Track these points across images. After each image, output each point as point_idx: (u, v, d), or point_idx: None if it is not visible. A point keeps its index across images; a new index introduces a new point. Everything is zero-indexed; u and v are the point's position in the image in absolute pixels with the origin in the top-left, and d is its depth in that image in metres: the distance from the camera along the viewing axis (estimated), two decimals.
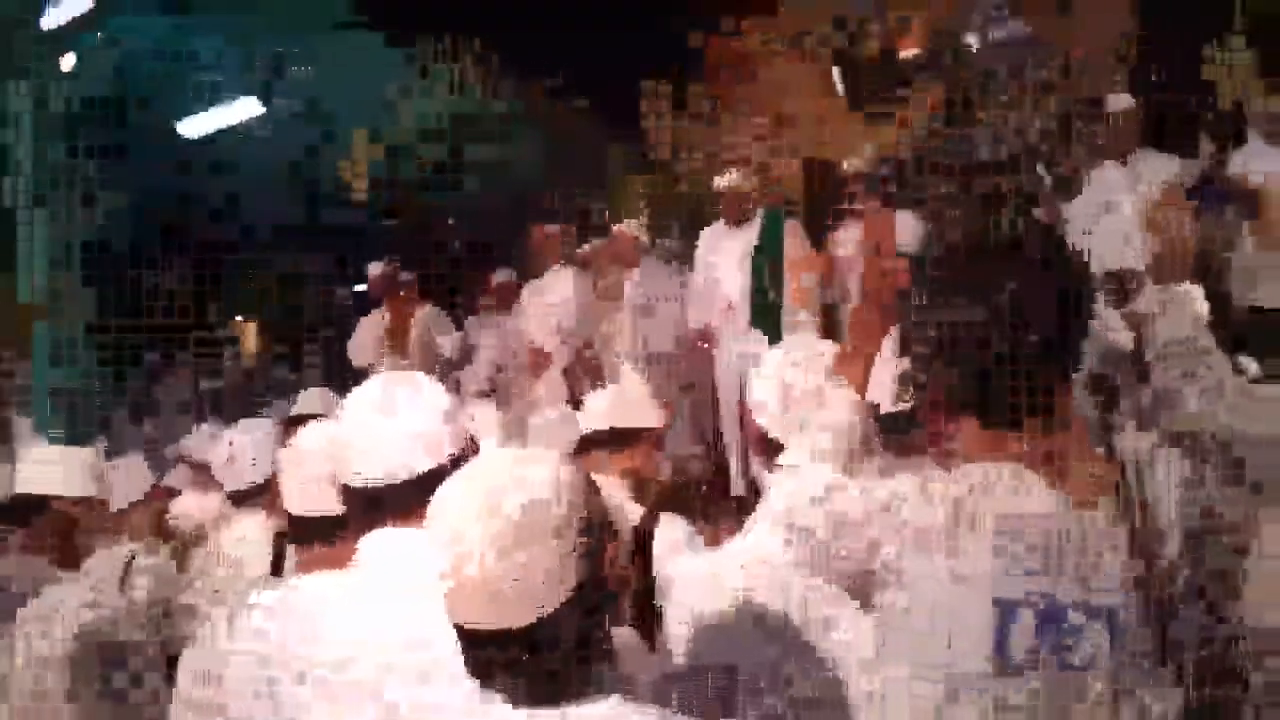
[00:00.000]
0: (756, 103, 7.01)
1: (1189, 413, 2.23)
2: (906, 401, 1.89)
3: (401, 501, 1.86)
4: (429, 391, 1.92)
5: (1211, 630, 1.71)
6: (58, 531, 2.81)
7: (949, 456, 1.77)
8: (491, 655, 1.36)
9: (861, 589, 1.80)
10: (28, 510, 2.80)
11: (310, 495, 2.14)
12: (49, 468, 2.89)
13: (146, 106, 8.69)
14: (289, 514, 2.18)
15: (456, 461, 1.85)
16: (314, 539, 2.14)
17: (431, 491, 1.78)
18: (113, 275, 8.76)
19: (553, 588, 1.35)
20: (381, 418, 1.88)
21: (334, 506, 2.06)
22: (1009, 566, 1.65)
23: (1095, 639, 1.64)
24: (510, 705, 1.36)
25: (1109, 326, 2.12)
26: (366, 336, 6.90)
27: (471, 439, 1.96)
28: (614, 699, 1.39)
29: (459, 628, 1.38)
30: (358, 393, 1.95)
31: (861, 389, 1.92)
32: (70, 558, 2.80)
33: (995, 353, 1.70)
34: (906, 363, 1.79)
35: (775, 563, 1.92)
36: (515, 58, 8.16)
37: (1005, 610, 1.64)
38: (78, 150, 7.81)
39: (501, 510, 1.37)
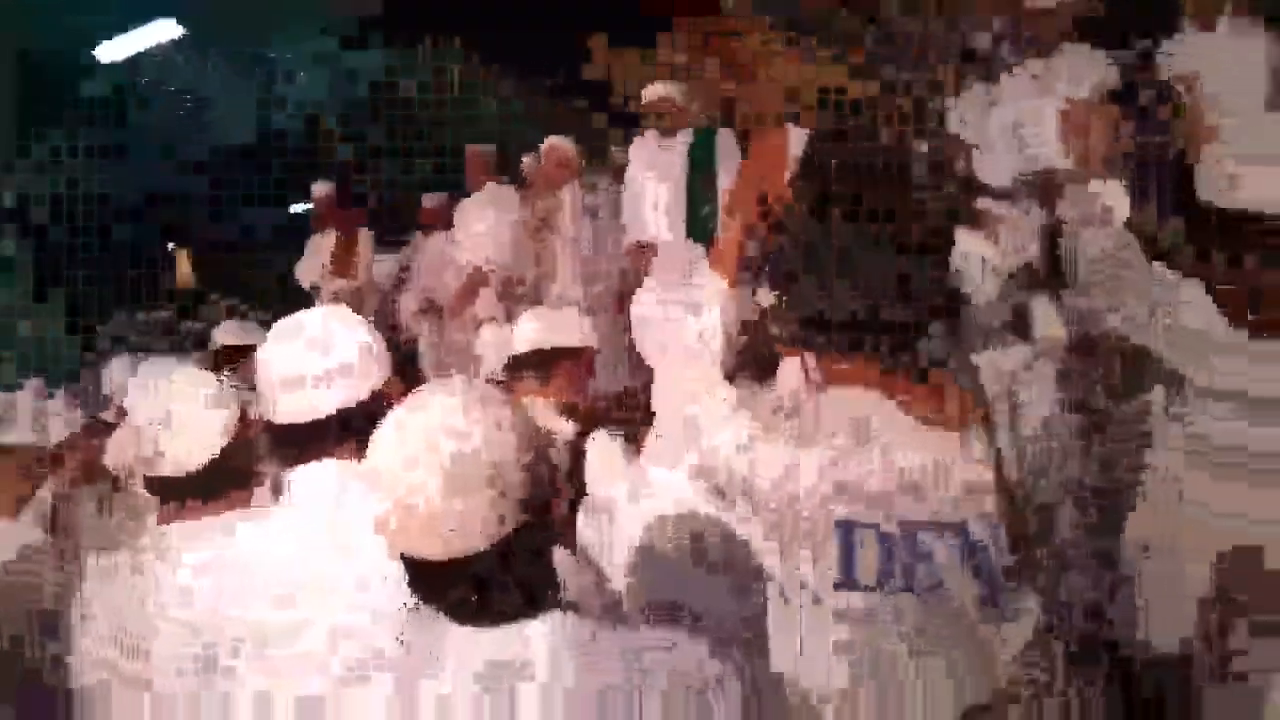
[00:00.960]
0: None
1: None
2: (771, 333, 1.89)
3: (322, 438, 1.86)
4: (350, 326, 1.90)
5: (1075, 553, 1.75)
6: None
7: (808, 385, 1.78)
8: (434, 584, 1.38)
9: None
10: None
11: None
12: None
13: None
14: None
15: (378, 397, 1.85)
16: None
17: (352, 428, 1.79)
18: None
19: (492, 528, 1.36)
20: (302, 353, 1.86)
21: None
22: (853, 488, 1.67)
23: (948, 559, 1.65)
24: (457, 625, 1.38)
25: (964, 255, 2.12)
26: (313, 257, 6.83)
27: (397, 375, 1.95)
28: (557, 615, 1.41)
29: (402, 557, 1.39)
30: (279, 328, 1.93)
31: (732, 280, 1.92)
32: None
33: (856, 283, 1.70)
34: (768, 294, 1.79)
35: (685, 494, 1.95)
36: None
37: (846, 532, 1.67)
38: None
39: (440, 456, 1.37)
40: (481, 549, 1.36)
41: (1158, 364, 2.10)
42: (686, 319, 2.08)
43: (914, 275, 1.70)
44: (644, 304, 2.24)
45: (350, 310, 1.97)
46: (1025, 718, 1.67)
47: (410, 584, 1.41)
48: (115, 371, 4.54)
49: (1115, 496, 1.86)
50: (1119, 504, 1.86)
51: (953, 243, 1.78)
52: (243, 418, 2.13)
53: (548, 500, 1.43)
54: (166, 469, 2.05)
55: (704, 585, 1.87)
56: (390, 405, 1.83)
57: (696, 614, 1.80)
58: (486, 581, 1.38)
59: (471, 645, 1.40)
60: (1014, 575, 1.67)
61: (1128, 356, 2.06)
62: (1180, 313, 2.06)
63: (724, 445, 1.90)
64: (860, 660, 1.66)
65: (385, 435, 1.43)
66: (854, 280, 1.68)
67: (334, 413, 1.83)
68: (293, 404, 1.84)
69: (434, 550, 1.37)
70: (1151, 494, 1.87)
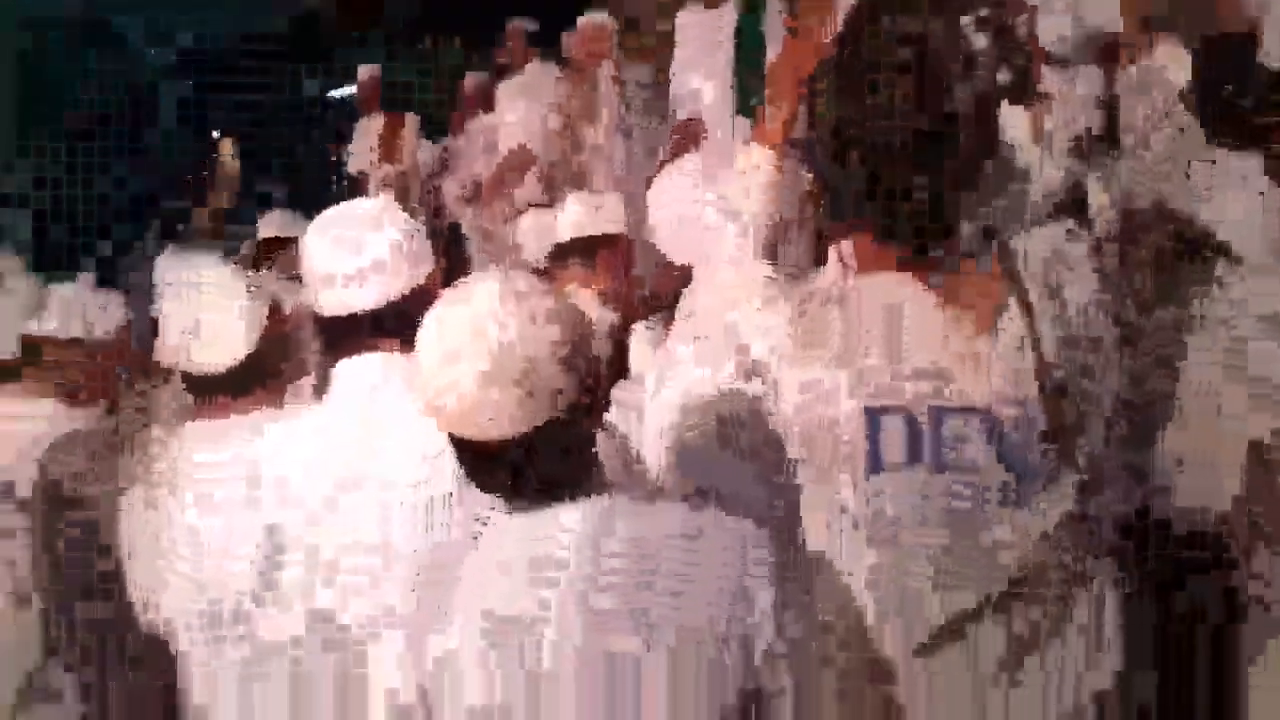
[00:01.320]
0: None
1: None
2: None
3: (362, 332, 1.86)
4: (388, 221, 1.89)
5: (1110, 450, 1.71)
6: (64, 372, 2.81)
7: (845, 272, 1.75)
8: (482, 463, 1.43)
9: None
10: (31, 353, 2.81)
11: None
12: (46, 309, 2.85)
13: None
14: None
15: (420, 292, 1.84)
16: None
17: (393, 324, 1.80)
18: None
19: (528, 419, 1.38)
20: (338, 249, 1.86)
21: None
22: (879, 372, 1.65)
23: (978, 444, 1.64)
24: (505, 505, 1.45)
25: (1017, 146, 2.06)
26: (361, 143, 6.80)
27: (443, 261, 1.95)
28: (604, 498, 1.45)
29: (450, 437, 1.43)
30: (318, 221, 1.92)
31: (779, 147, 1.87)
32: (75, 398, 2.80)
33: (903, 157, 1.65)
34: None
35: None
36: None
37: (873, 417, 1.65)
38: None
39: (477, 350, 1.39)
40: (517, 436, 1.39)
41: (1204, 250, 2.05)
42: (726, 225, 2.06)
43: (957, 152, 1.65)
44: (674, 194, 2.19)
45: (394, 200, 1.96)
46: (1055, 609, 1.67)
47: (458, 459, 1.45)
48: (164, 266, 4.57)
49: (1148, 410, 1.84)
50: (1151, 417, 1.84)
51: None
52: (275, 314, 2.13)
53: (589, 391, 1.44)
54: (195, 367, 2.07)
55: (733, 469, 1.89)
56: (434, 299, 1.85)
57: (725, 499, 1.82)
58: (522, 468, 1.41)
59: (503, 535, 1.45)
60: (1044, 464, 1.65)
61: (1166, 257, 2.01)
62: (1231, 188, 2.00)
63: (762, 352, 1.89)
64: (885, 596, 1.67)
65: (427, 331, 1.46)
66: (892, 158, 1.64)
67: (372, 308, 1.83)
68: (331, 299, 1.85)
69: (473, 434, 1.40)
70: (1187, 407, 1.84)
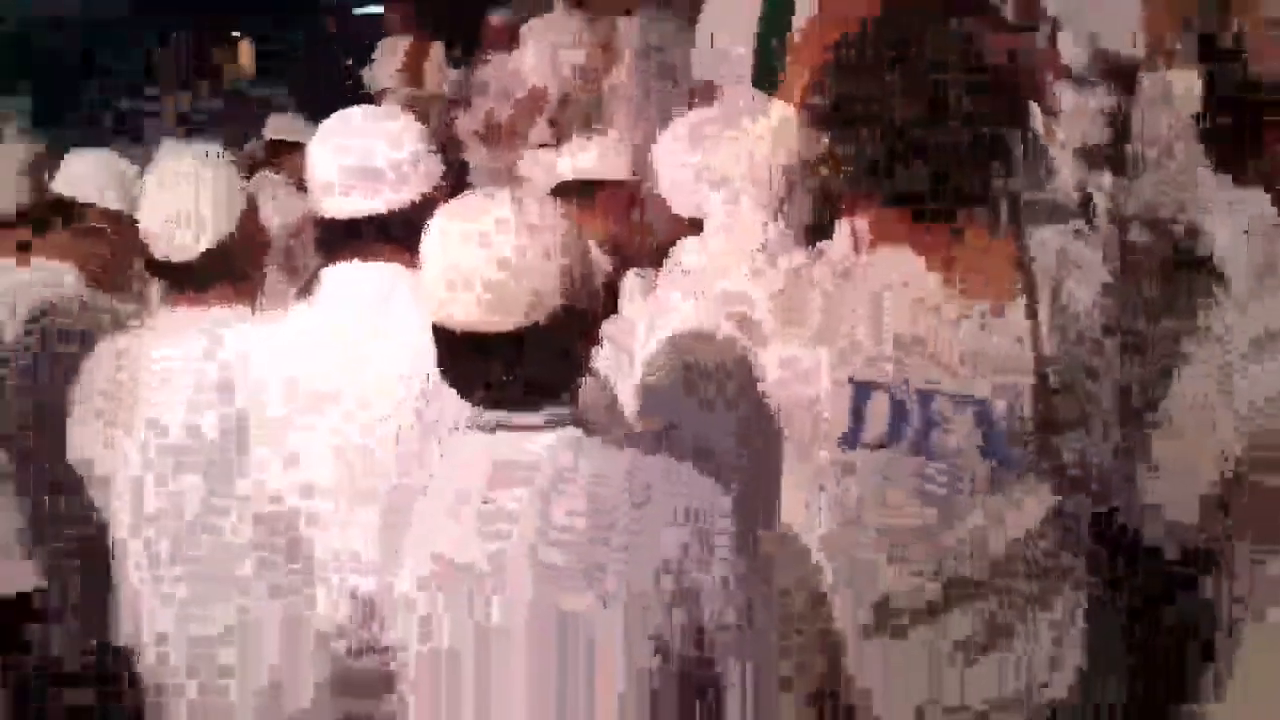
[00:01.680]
0: None
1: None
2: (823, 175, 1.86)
3: (363, 236, 1.86)
4: (396, 129, 1.88)
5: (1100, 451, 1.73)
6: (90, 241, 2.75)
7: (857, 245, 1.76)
8: (469, 357, 1.43)
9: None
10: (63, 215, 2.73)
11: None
12: (86, 174, 2.79)
13: None
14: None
15: (425, 203, 1.84)
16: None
17: (396, 232, 1.80)
18: None
19: (541, 300, 1.41)
20: (345, 152, 1.85)
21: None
22: (876, 351, 1.65)
23: (962, 431, 1.65)
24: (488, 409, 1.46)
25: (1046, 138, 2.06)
26: (386, 61, 6.76)
27: (444, 180, 1.95)
28: (568, 431, 1.47)
29: (446, 336, 1.44)
30: (325, 125, 1.91)
31: (799, 105, 1.88)
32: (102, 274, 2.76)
33: (923, 131, 1.66)
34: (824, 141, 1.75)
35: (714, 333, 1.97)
36: None
37: (860, 391, 1.65)
38: None
39: (497, 226, 1.42)
40: (524, 321, 1.40)
41: (1205, 270, 2.06)
42: (710, 193, 2.06)
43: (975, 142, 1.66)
44: (667, 156, 2.19)
45: (406, 114, 1.95)
46: (1024, 604, 1.69)
47: (446, 366, 1.46)
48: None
49: (1141, 417, 1.85)
50: (1143, 424, 1.85)
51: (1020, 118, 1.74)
52: (252, 212, 2.11)
53: (589, 304, 1.48)
54: (167, 254, 2.04)
55: (704, 414, 1.92)
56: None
57: (697, 441, 1.85)
58: (511, 364, 1.42)
59: (480, 449, 1.45)
60: (1026, 458, 1.66)
61: (1168, 268, 2.02)
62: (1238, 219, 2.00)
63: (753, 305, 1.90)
64: (848, 575, 1.68)
65: (433, 242, 1.46)
66: (912, 136, 1.65)
67: (376, 214, 1.81)
68: (334, 202, 1.84)
69: (477, 317, 1.41)
70: (1179, 419, 1.86)
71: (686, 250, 2.15)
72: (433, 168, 1.90)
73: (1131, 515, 1.90)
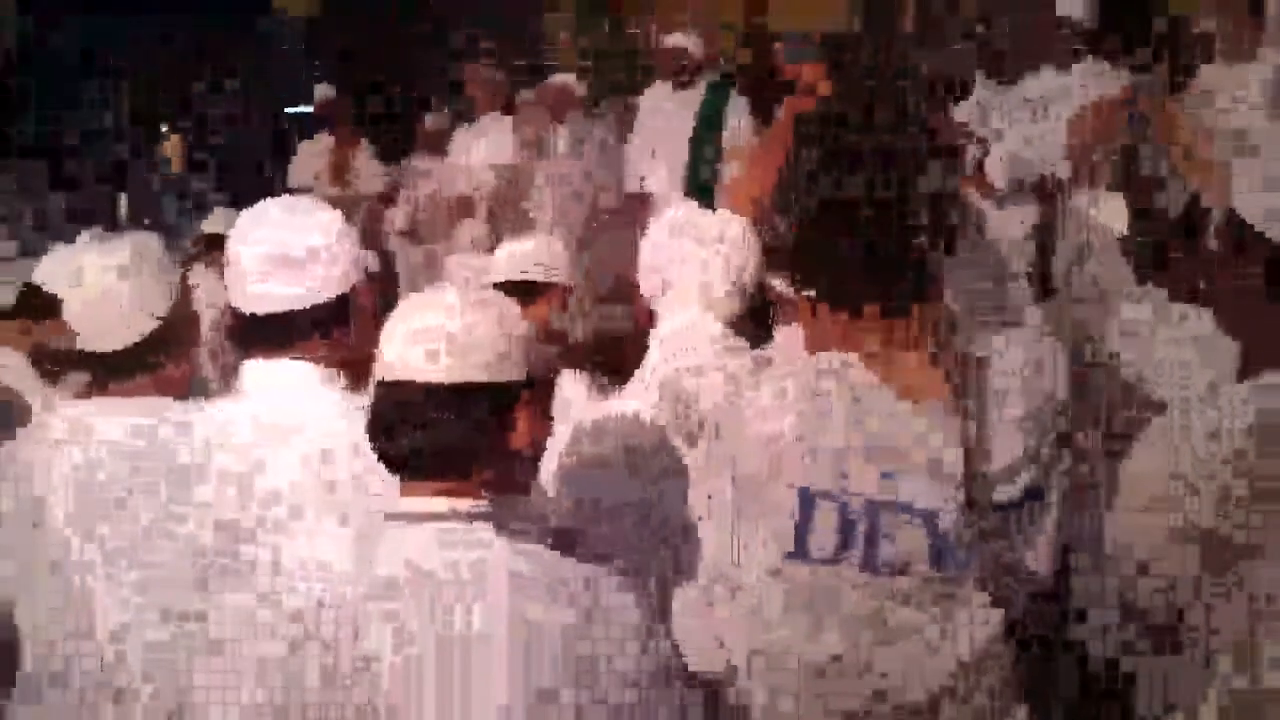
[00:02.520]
0: None
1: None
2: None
3: (285, 332, 1.80)
4: (315, 219, 1.83)
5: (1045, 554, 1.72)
6: None
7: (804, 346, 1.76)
8: (399, 419, 1.45)
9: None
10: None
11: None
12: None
13: None
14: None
15: (345, 300, 1.80)
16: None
17: (318, 326, 1.75)
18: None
19: (485, 362, 1.45)
20: (267, 243, 1.79)
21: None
22: (821, 459, 1.64)
23: (910, 543, 1.63)
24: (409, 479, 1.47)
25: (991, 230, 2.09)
26: (307, 160, 6.75)
27: (368, 273, 1.90)
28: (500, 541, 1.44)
29: (384, 387, 1.47)
30: (244, 216, 1.84)
31: (753, 215, 1.89)
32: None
33: (873, 230, 1.68)
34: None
35: (645, 421, 1.96)
36: None
37: (806, 500, 1.64)
38: None
39: (458, 303, 1.46)
40: (448, 384, 1.43)
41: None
42: (699, 253, 2.06)
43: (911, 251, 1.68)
44: (656, 240, 2.20)
45: (326, 206, 1.90)
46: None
47: (376, 426, 1.47)
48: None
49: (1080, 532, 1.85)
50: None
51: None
52: (185, 294, 2.04)
53: (526, 382, 1.49)
54: (97, 343, 1.94)
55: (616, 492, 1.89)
56: (360, 307, 1.80)
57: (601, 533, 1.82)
58: (449, 416, 1.44)
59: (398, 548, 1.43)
60: (972, 568, 1.65)
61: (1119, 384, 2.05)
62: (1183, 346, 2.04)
63: (699, 389, 1.89)
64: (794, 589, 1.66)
65: (394, 316, 1.49)
66: (854, 240, 1.67)
67: (296, 309, 1.78)
68: (252, 294, 1.79)
69: (410, 373, 1.44)
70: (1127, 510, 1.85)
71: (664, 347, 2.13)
72: (353, 260, 1.84)
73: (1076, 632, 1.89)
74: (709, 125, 5.52)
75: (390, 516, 1.46)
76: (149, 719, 1.76)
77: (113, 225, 7.71)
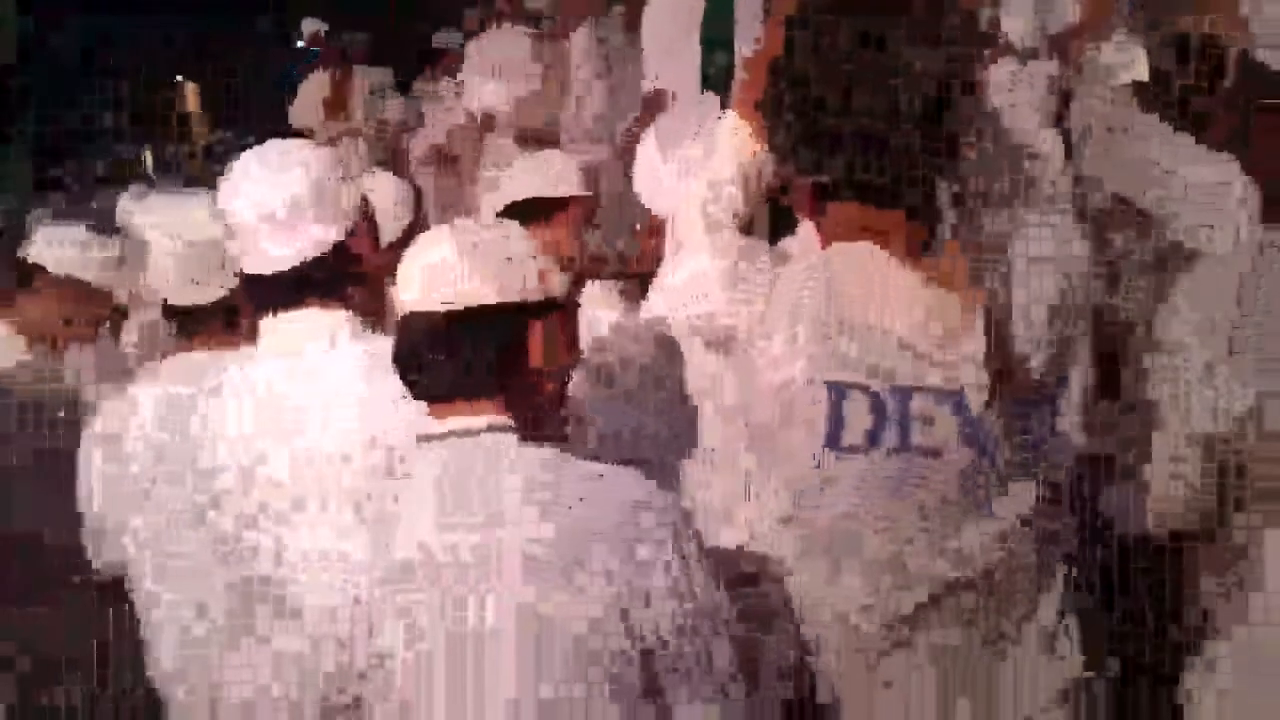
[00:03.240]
0: None
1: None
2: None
3: (284, 291, 1.77)
4: (299, 170, 1.74)
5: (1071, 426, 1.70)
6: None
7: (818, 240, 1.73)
8: (424, 346, 1.52)
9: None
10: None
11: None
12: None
13: None
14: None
15: (344, 249, 1.77)
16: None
17: (320, 282, 1.74)
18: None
19: (494, 283, 1.51)
20: (248, 200, 1.74)
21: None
22: (846, 350, 1.63)
23: (943, 425, 1.62)
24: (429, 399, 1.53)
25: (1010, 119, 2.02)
26: (307, 99, 6.70)
27: (367, 218, 1.86)
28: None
29: (403, 320, 1.54)
30: (230, 177, 1.79)
31: (759, 131, 1.85)
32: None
33: (876, 122, 1.63)
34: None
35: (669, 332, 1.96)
36: None
37: (836, 393, 1.63)
38: None
39: (462, 233, 1.55)
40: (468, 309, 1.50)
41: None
42: (692, 183, 2.02)
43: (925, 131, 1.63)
44: (646, 162, 2.18)
45: (311, 149, 1.86)
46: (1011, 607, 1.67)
47: (401, 348, 1.54)
48: (127, 202, 4.46)
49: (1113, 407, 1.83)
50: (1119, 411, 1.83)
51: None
52: None
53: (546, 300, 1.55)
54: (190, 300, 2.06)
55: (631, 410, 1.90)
56: (360, 260, 1.79)
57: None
58: (459, 350, 1.51)
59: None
60: (1009, 450, 1.64)
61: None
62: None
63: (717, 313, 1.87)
64: (812, 534, 1.65)
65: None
66: (866, 122, 1.62)
67: (294, 267, 1.74)
68: (250, 256, 1.77)
69: (432, 302, 1.51)
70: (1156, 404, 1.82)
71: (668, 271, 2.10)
72: (340, 207, 1.77)
73: (1112, 504, 1.87)
74: (718, 10, 5.39)
75: (421, 439, 1.52)
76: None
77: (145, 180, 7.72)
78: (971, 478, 1.64)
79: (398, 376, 1.54)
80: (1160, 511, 1.76)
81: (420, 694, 1.42)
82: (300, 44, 7.64)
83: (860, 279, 1.65)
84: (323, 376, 1.72)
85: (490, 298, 1.51)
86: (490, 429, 1.50)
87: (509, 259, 1.53)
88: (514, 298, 1.52)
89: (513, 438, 1.50)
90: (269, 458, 1.70)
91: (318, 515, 1.65)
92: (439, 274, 1.51)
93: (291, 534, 1.66)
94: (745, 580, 1.68)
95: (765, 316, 1.67)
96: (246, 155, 1.80)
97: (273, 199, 1.72)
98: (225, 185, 1.78)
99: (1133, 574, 1.90)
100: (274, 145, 1.82)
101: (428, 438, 1.52)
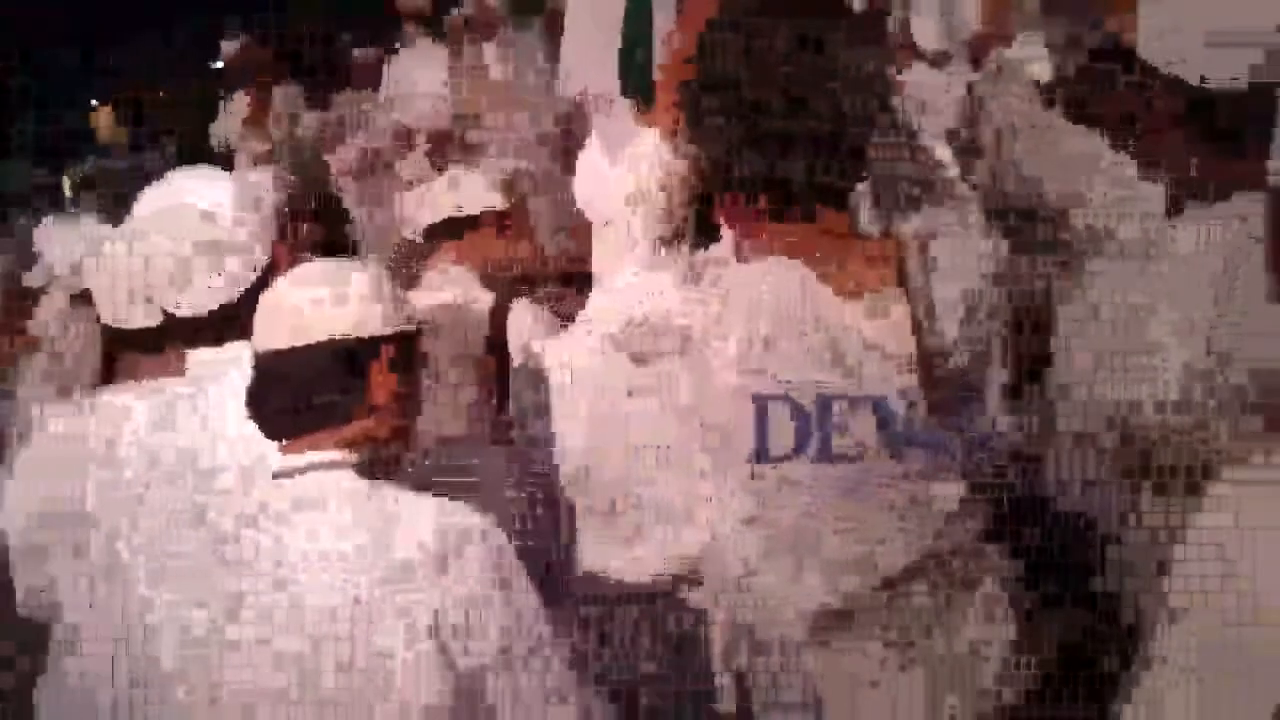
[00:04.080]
0: None
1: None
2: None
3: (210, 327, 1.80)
4: (214, 198, 1.80)
5: (1000, 421, 1.74)
6: None
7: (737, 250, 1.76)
8: (277, 380, 1.58)
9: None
10: None
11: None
12: None
13: None
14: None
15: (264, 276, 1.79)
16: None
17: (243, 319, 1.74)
18: None
19: (329, 324, 1.57)
20: (161, 246, 1.78)
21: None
22: (769, 362, 1.66)
23: (862, 430, 1.66)
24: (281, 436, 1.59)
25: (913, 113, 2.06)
26: (224, 119, 6.63)
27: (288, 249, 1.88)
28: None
29: (254, 359, 1.60)
30: (135, 216, 1.82)
31: (670, 133, 1.88)
32: None
33: (786, 129, 1.66)
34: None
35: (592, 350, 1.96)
36: None
37: (761, 406, 1.66)
38: None
39: (301, 274, 1.61)
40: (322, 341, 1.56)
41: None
42: (622, 177, 2.04)
43: (839, 134, 1.67)
44: (587, 169, 2.18)
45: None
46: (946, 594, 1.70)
47: (252, 397, 1.60)
48: (49, 229, 4.37)
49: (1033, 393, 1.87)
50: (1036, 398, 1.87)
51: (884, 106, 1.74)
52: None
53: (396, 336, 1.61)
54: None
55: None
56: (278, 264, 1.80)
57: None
58: (306, 386, 1.57)
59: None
60: (936, 447, 1.68)
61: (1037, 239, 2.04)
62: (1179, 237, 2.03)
63: (644, 312, 1.88)
64: (775, 534, 1.68)
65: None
66: (775, 130, 1.65)
67: (227, 301, 1.79)
68: (181, 298, 1.79)
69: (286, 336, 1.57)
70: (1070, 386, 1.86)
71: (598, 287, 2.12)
72: (262, 225, 1.84)
73: (1040, 485, 1.91)
74: (637, 13, 5.41)
75: (276, 475, 1.57)
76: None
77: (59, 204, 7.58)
78: (897, 478, 1.67)
79: (249, 414, 1.60)
80: None
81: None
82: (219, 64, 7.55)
83: (778, 290, 1.68)
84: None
85: (326, 335, 1.57)
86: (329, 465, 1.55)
87: (346, 297, 1.58)
88: (354, 333, 1.58)
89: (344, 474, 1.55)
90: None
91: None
92: (280, 316, 1.57)
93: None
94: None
95: (721, 317, 1.70)
96: (148, 192, 1.84)
97: (199, 232, 1.77)
98: (139, 225, 1.80)
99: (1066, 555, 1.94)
100: (175, 180, 1.86)
101: (280, 474, 1.57)
